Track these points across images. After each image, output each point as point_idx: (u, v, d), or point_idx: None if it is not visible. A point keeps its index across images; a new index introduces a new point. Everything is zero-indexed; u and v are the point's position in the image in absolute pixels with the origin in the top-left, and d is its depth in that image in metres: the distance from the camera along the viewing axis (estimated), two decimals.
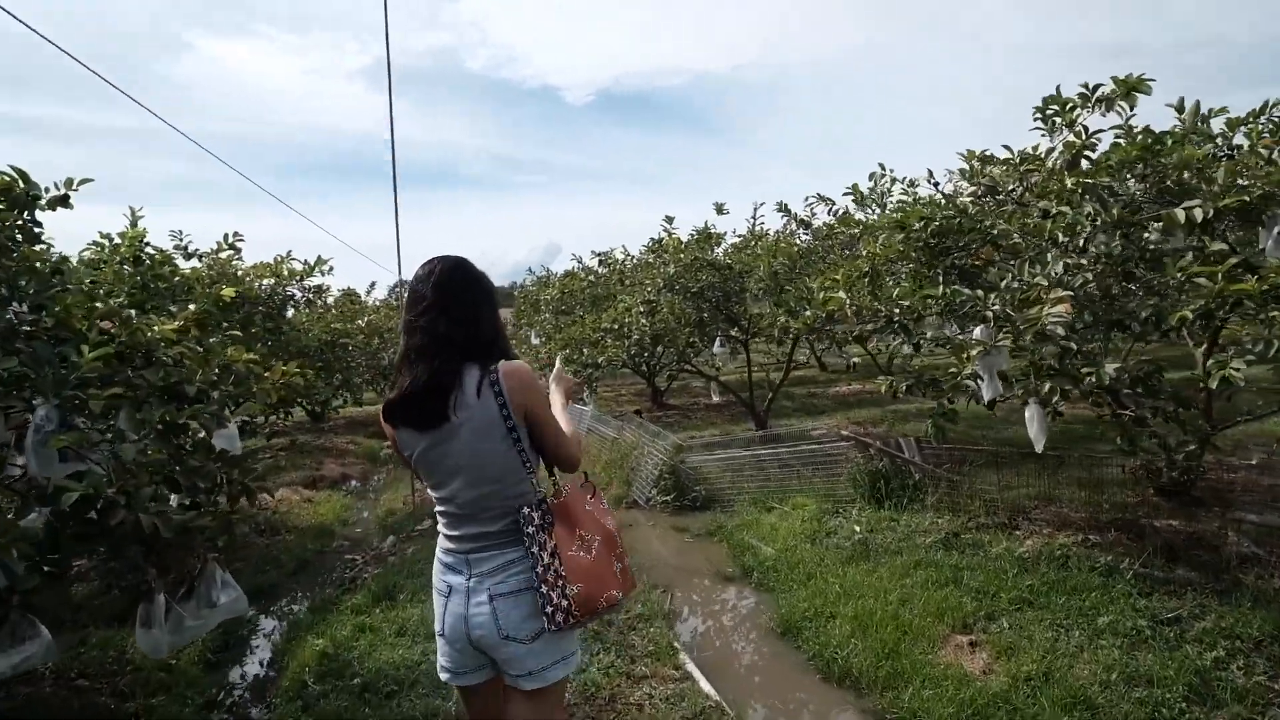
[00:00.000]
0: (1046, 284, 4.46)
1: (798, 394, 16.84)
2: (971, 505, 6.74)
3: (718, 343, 12.30)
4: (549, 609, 2.33)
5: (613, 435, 11.31)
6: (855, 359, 10.76)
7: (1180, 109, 5.68)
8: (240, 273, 8.56)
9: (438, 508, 2.49)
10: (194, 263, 8.43)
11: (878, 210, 7.73)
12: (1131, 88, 5.08)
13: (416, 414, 2.35)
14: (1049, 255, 5.00)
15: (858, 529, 6.72)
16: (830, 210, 8.18)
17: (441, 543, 2.52)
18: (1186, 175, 5.10)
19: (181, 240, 8.45)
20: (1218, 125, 5.68)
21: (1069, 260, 4.63)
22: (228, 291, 5.03)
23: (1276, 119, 5.64)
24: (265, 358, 7.92)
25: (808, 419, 14.05)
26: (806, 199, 10.87)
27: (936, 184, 6.88)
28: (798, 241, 11.30)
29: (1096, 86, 5.32)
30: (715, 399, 14.37)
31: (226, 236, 8.24)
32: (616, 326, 11.72)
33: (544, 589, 2.34)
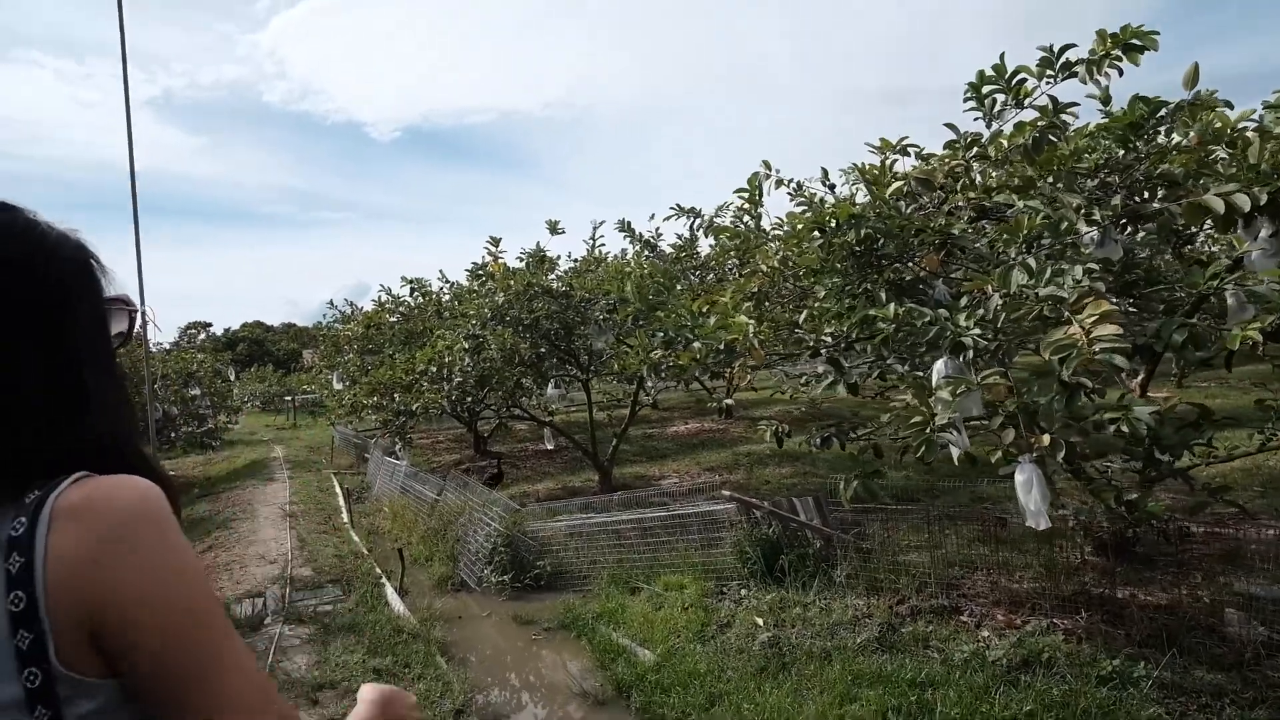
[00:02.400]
0: (1069, 296, 3.13)
1: (634, 435, 15.40)
2: (897, 582, 5.40)
3: (551, 385, 10.72)
4: None
5: (433, 497, 9.46)
6: (729, 401, 9.48)
7: (1106, 100, 4.58)
8: None
9: None
10: None
11: (750, 222, 6.39)
12: (1128, 43, 3.80)
13: None
14: (1030, 259, 3.70)
15: (760, 621, 5.24)
16: (695, 224, 6.80)
17: None
18: (1168, 165, 3.99)
19: None
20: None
21: (1088, 265, 3.33)
22: None
23: None
24: None
25: (652, 464, 12.64)
26: (654, 215, 9.48)
27: (832, 186, 5.59)
28: (646, 264, 9.86)
29: (1064, 49, 4.07)
30: (548, 445, 12.74)
31: None
32: (435, 368, 9.89)
33: None
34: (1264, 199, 3.15)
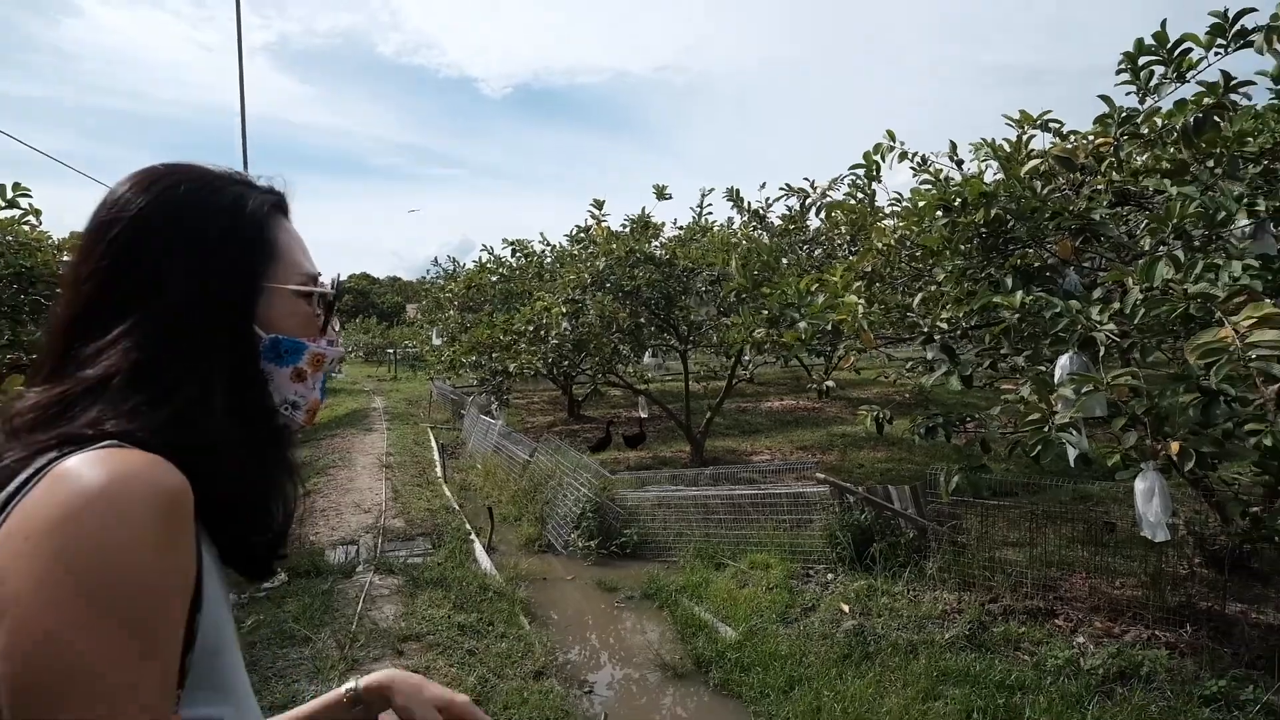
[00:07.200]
0: (1221, 295, 2.90)
1: (727, 408, 15.28)
2: (991, 579, 5.21)
3: (648, 354, 10.68)
4: None
5: (525, 458, 9.56)
6: (830, 383, 9.21)
7: (1277, 78, 4.13)
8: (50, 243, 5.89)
9: None
10: None
11: (865, 198, 6.19)
12: None
13: None
14: (1179, 251, 3.44)
15: (846, 608, 5.13)
16: (804, 201, 6.62)
17: None
18: None
19: None
20: None
21: (1246, 262, 3.07)
22: None
23: None
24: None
25: (744, 439, 12.53)
26: (765, 185, 9.27)
27: (960, 161, 5.35)
28: (752, 237, 9.70)
29: (1241, 13, 3.70)
30: (642, 414, 12.74)
31: (2, 189, 5.28)
32: (532, 329, 9.96)
33: None
34: None
